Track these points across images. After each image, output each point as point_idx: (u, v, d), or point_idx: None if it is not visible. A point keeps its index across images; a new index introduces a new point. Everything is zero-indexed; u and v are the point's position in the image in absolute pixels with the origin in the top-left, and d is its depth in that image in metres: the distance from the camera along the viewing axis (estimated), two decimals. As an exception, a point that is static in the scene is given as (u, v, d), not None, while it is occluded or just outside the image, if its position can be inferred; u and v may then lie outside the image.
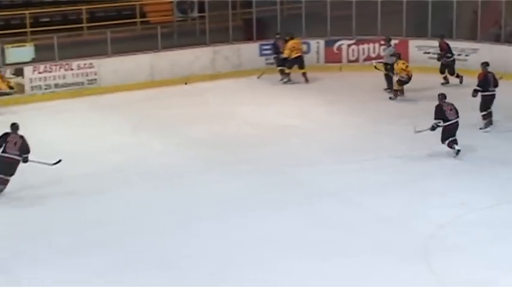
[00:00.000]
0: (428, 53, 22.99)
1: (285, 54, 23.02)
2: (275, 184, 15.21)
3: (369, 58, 24.08)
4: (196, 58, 23.72)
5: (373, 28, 24.09)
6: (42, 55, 22.03)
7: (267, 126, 19.01)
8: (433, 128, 16.35)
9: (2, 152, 14.79)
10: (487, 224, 13.23)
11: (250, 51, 24.34)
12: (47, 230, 13.34)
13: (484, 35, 23.27)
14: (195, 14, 25.24)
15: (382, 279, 11.41)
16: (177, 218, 13.72)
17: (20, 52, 21.84)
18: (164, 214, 13.91)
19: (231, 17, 24.68)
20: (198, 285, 11.37)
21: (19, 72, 21.56)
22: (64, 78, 22.14)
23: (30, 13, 23.22)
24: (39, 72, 21.86)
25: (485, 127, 18.07)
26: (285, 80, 23.17)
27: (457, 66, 22.43)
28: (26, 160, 14.85)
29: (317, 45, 24.59)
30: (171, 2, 25.26)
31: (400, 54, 21.32)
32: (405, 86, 21.02)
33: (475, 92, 18.17)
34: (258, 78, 23.53)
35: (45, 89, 21.93)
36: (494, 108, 18.19)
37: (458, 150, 16.30)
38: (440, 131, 16.35)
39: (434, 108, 16.48)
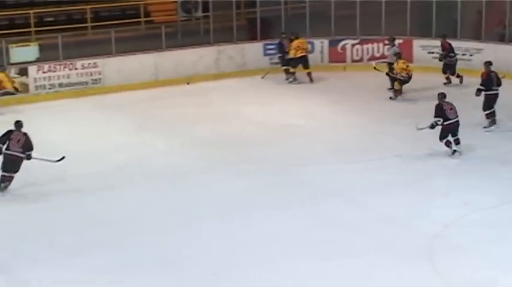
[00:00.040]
0: (433, 52, 22.96)
1: (291, 54, 23.02)
2: (279, 184, 15.21)
3: (373, 58, 24.06)
4: (200, 58, 23.72)
5: (377, 28, 24.08)
6: (47, 55, 22.06)
7: (271, 126, 19.00)
8: (432, 126, 16.37)
9: (6, 150, 14.86)
10: (491, 224, 13.23)
11: (254, 50, 24.34)
12: (49, 229, 13.36)
13: (488, 35, 23.25)
14: (199, 13, 25.22)
15: (386, 279, 11.41)
16: (180, 218, 13.72)
17: (24, 52, 21.87)
18: (167, 214, 13.91)
19: (235, 16, 24.68)
20: (200, 286, 11.37)
21: (23, 72, 21.59)
22: (68, 77, 22.16)
23: (34, 13, 23.22)
24: (44, 72, 21.89)
25: (489, 126, 18.07)
26: (290, 79, 23.16)
27: (462, 66, 22.43)
28: (29, 157, 14.90)
29: (321, 44, 24.57)
30: (175, 1, 25.23)
31: (400, 54, 21.33)
32: (409, 86, 21.01)
33: (479, 91, 18.19)
34: (262, 78, 23.52)
35: (50, 88, 21.95)
36: (497, 107, 18.19)
37: (454, 151, 16.36)
38: (440, 129, 16.35)
39: (434, 107, 16.49)
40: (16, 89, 20.85)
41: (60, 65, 22.06)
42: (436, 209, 13.77)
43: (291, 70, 23.14)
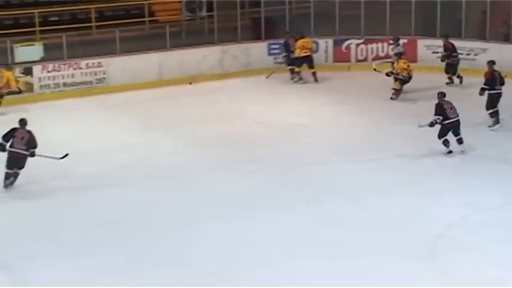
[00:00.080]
0: (437, 52, 22.92)
1: (296, 54, 23.03)
2: (283, 183, 15.21)
3: (377, 57, 24.06)
4: (205, 57, 23.73)
5: (381, 27, 24.06)
6: (51, 54, 22.08)
7: (276, 126, 19.01)
8: (431, 124, 16.40)
9: (10, 147, 14.96)
10: (495, 224, 13.22)
11: (258, 50, 24.34)
12: (52, 228, 13.38)
13: (493, 35, 23.23)
14: (204, 13, 25.22)
15: (390, 279, 11.40)
16: (184, 217, 13.73)
17: (29, 51, 21.89)
18: (171, 213, 13.92)
19: (239, 16, 24.67)
20: (203, 285, 11.37)
21: (28, 71, 21.61)
22: (73, 77, 22.18)
23: (39, 12, 23.24)
24: (48, 71, 21.91)
25: (493, 125, 18.12)
26: (296, 79, 23.14)
27: (466, 65, 22.45)
28: (33, 154, 14.98)
29: (326, 44, 24.56)
30: (180, 1, 25.23)
31: (401, 54, 21.38)
32: (413, 86, 21.01)
33: (482, 90, 18.22)
34: (266, 77, 23.51)
35: (54, 88, 21.97)
36: (500, 107, 18.21)
37: (450, 151, 16.39)
38: (439, 127, 16.37)
39: (434, 106, 16.54)
40: (19, 90, 20.84)
41: (64, 64, 22.08)
42: (440, 208, 13.76)
43: (296, 70, 23.14)
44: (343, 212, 13.84)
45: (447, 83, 21.87)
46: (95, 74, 22.43)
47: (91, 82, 22.40)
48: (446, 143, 16.42)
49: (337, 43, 24.63)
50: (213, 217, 13.68)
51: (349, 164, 16.26)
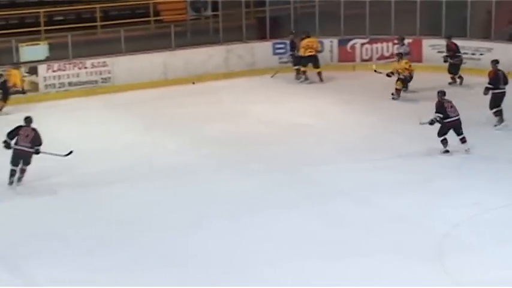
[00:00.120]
0: (442, 52, 22.90)
1: (300, 53, 23.04)
2: (288, 183, 15.21)
3: (382, 57, 24.06)
4: (210, 57, 23.74)
5: (386, 27, 24.06)
6: (56, 53, 22.11)
7: (281, 125, 19.01)
8: (432, 122, 16.42)
9: (15, 144, 15.07)
10: (501, 224, 13.20)
11: (263, 49, 24.35)
12: (57, 228, 13.38)
13: (498, 35, 23.21)
14: (209, 12, 25.27)
15: (395, 279, 11.39)
16: (189, 217, 13.73)
17: (34, 50, 21.93)
18: (175, 212, 13.93)
19: (244, 15, 24.70)
20: (208, 285, 11.36)
21: (33, 71, 21.64)
22: (78, 76, 22.20)
23: (44, 12, 23.30)
24: (53, 71, 21.94)
25: (499, 124, 18.16)
26: (301, 79, 23.13)
27: (471, 65, 22.52)
28: (38, 151, 15.07)
29: (330, 44, 24.56)
30: (185, 0, 25.29)
31: (402, 54, 21.45)
32: (418, 85, 21.01)
33: (487, 89, 18.25)
34: (271, 77, 23.53)
35: (59, 87, 22.01)
36: (503, 106, 18.22)
37: (447, 151, 16.41)
38: (440, 125, 16.42)
39: (435, 105, 16.58)
40: (23, 90, 20.85)
41: (69, 63, 22.11)
42: (446, 208, 13.74)
43: (302, 69, 23.13)
44: (348, 212, 13.83)
45: (450, 83, 21.86)
46: (100, 74, 22.46)
47: (96, 81, 22.43)
48: (444, 142, 16.44)
49: (342, 43, 24.63)
50: (218, 216, 13.68)
51: (354, 163, 16.26)
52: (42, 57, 21.99)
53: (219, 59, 23.85)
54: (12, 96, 20.60)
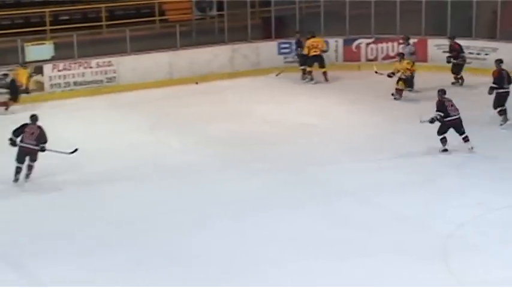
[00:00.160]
0: (448, 52, 22.88)
1: (304, 51, 23.06)
2: (293, 183, 15.22)
3: (387, 57, 24.04)
4: (215, 56, 23.75)
5: (392, 27, 24.05)
6: (62, 53, 22.14)
7: (286, 125, 19.01)
8: (432, 121, 16.44)
9: (20, 142, 15.20)
10: (505, 224, 13.20)
11: (268, 49, 24.35)
12: (62, 227, 13.40)
13: (503, 34, 23.19)
14: (214, 12, 25.27)
15: (400, 278, 11.39)
16: (193, 217, 13.74)
17: (39, 50, 21.95)
18: (180, 212, 13.94)
19: (249, 15, 24.70)
20: (213, 285, 11.37)
21: (39, 70, 21.67)
22: (83, 76, 22.23)
23: (50, 11, 23.32)
24: (59, 70, 21.97)
25: (504, 123, 18.20)
26: (307, 79, 23.10)
27: (477, 65, 22.56)
28: (43, 149, 15.19)
29: (336, 43, 24.55)
30: (190, 0, 25.29)
31: (403, 54, 21.47)
32: (423, 86, 21.00)
33: (491, 89, 18.28)
34: (276, 75, 23.53)
35: (65, 86, 22.03)
36: (507, 105, 18.28)
37: (445, 150, 16.44)
38: (440, 124, 16.45)
39: (436, 104, 16.61)
40: (27, 90, 20.86)
41: (75, 63, 22.13)
42: (450, 208, 13.75)
43: (308, 69, 23.13)
44: (352, 212, 13.84)
45: (453, 83, 21.86)
46: (105, 73, 22.48)
47: (101, 81, 22.45)
48: (444, 140, 16.48)
49: (347, 42, 24.62)
50: (222, 216, 13.69)
51: (359, 163, 16.25)
52: (48, 57, 22.02)
53: (224, 58, 23.86)
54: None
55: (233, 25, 24.32)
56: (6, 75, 20.95)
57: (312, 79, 23.02)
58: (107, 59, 22.51)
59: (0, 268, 12.02)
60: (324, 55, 23.27)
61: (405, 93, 21.16)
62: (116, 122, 19.63)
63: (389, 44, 24.39)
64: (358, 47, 24.64)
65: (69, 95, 21.82)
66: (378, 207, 13.98)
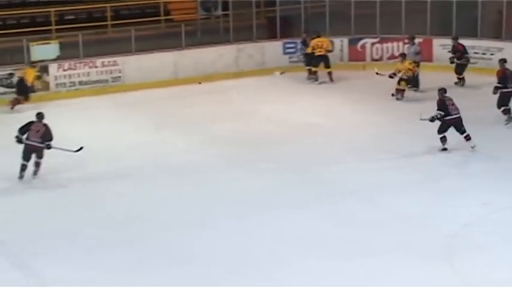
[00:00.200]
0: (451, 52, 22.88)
1: (308, 50, 23.06)
2: (298, 183, 15.22)
3: (392, 57, 24.03)
4: (220, 56, 23.76)
5: (397, 27, 24.04)
6: (67, 52, 22.18)
7: (291, 125, 19.01)
8: (432, 119, 16.45)
9: (26, 139, 15.30)
10: (510, 224, 13.19)
11: (273, 49, 24.36)
12: (64, 226, 13.42)
13: (509, 34, 23.16)
14: (219, 12, 25.29)
15: (404, 278, 11.38)
16: (198, 216, 13.73)
17: (45, 49, 21.99)
18: (184, 212, 13.94)
19: (254, 15, 24.72)
20: (217, 285, 11.37)
21: (44, 70, 21.70)
22: (88, 75, 22.26)
23: (55, 11, 23.36)
24: (64, 70, 22.01)
25: (509, 121, 18.19)
26: (311, 80, 23.10)
27: (482, 65, 22.52)
28: (49, 147, 15.30)
29: (341, 43, 24.55)
30: (195, 0, 25.30)
31: (405, 54, 21.49)
32: (428, 85, 20.99)
33: (496, 89, 18.31)
34: (280, 74, 23.50)
35: (70, 86, 22.08)
36: (510, 105, 18.27)
37: (445, 149, 16.45)
38: (440, 122, 16.46)
39: (436, 102, 16.62)
40: (33, 87, 20.89)
41: (80, 63, 22.17)
42: (454, 208, 13.73)
43: (313, 69, 23.13)
44: (357, 212, 13.83)
45: (456, 83, 21.85)
46: (111, 73, 22.51)
47: (106, 81, 22.48)
48: (443, 139, 16.49)
49: (353, 42, 24.62)
50: (227, 216, 13.70)
51: (364, 163, 16.25)
52: (53, 57, 22.07)
53: (229, 58, 23.87)
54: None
55: (238, 25, 24.34)
56: (11, 74, 21.00)
57: (316, 79, 23.02)
58: (112, 59, 22.55)
59: (2, 267, 12.03)
60: (329, 55, 23.26)
61: (411, 93, 21.17)
62: (121, 121, 19.66)
63: (395, 43, 24.38)
64: (363, 46, 24.64)
65: (74, 94, 21.86)
66: (383, 207, 13.98)
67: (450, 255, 12.07)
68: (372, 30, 24.43)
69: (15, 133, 15.46)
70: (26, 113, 18.37)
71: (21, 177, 15.30)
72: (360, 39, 24.60)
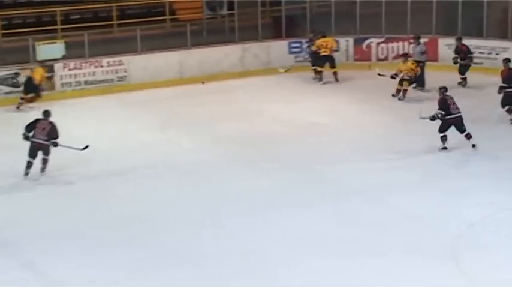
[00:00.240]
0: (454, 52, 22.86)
1: (313, 49, 23.07)
2: (303, 182, 15.22)
3: (397, 56, 24.00)
4: (225, 55, 23.78)
5: (402, 26, 24.03)
6: (73, 52, 22.20)
7: (296, 124, 19.02)
8: (433, 118, 16.46)
9: (32, 137, 15.39)
10: (516, 224, 13.19)
11: (279, 48, 24.37)
12: (71, 225, 13.42)
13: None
14: (225, 11, 25.31)
15: (410, 278, 11.37)
16: (203, 216, 13.73)
17: (50, 49, 22.01)
18: (190, 211, 13.95)
19: (260, 14, 24.72)
20: (222, 284, 11.36)
21: (49, 69, 21.72)
22: (94, 75, 22.29)
23: (61, 10, 23.39)
24: (70, 69, 22.04)
25: None
26: (317, 79, 23.09)
27: (488, 65, 22.55)
28: (55, 144, 15.38)
29: (346, 43, 24.55)
30: (201, -1, 25.36)
31: (407, 54, 21.46)
32: (434, 85, 20.94)
33: (501, 88, 18.36)
34: (285, 71, 23.55)
35: (75, 85, 22.10)
36: None
37: (445, 148, 16.44)
38: (441, 121, 16.46)
39: (438, 101, 16.64)
40: (41, 86, 20.91)
41: (86, 62, 22.20)
42: (461, 208, 13.71)
43: (318, 69, 23.12)
44: (362, 211, 13.82)
45: (459, 83, 21.84)
46: (116, 72, 22.53)
47: (112, 80, 22.51)
48: (444, 138, 16.50)
49: (358, 42, 24.61)
50: (232, 215, 13.70)
51: (369, 162, 16.24)
52: (59, 56, 22.08)
53: (234, 58, 23.89)
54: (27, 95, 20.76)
55: (244, 24, 24.34)
56: (17, 74, 21.04)
57: (320, 79, 23.01)
58: (117, 58, 22.57)
59: (3, 266, 12.04)
60: (334, 54, 23.25)
61: (416, 92, 21.16)
62: (127, 121, 19.68)
63: (400, 43, 24.37)
64: (368, 46, 24.64)
65: (80, 94, 21.89)
66: (387, 206, 13.97)
67: (456, 255, 12.05)
68: (378, 30, 24.42)
69: (21, 132, 15.50)
70: (31, 113, 18.40)
71: (26, 174, 15.37)
72: (366, 39, 24.60)
